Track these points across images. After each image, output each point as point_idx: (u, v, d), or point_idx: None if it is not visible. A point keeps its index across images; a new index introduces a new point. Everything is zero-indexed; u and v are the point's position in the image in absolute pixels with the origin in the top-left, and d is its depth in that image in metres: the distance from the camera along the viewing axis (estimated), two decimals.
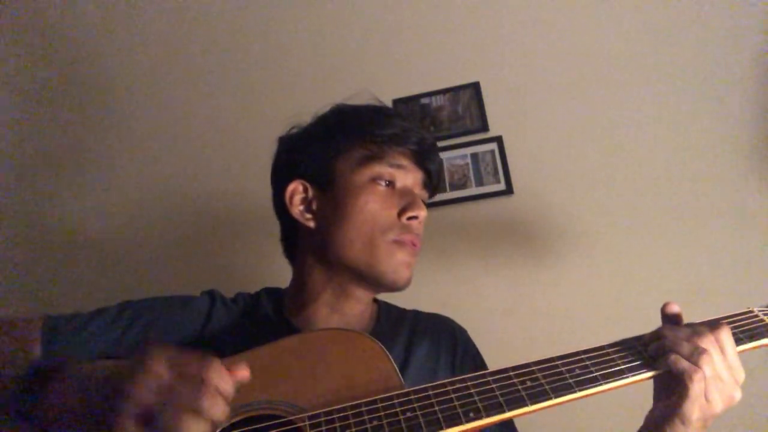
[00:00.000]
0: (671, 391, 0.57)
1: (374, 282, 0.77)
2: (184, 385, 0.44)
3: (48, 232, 1.56)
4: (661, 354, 0.57)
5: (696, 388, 0.54)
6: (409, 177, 0.81)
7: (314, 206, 0.79)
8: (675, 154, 1.28)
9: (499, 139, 1.38)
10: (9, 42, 1.78)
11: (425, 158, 0.82)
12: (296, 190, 0.80)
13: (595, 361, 0.56)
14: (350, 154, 0.79)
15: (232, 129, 1.54)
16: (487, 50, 1.47)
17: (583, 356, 0.56)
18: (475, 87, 1.45)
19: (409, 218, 0.77)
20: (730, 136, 1.26)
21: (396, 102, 1.48)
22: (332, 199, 0.78)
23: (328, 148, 0.80)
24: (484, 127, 1.41)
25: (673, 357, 0.55)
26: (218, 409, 0.44)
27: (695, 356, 0.55)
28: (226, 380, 0.46)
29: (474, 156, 1.39)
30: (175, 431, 0.41)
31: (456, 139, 1.42)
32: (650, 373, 0.57)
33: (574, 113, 1.37)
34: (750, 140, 1.24)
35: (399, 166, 0.79)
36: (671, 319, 0.64)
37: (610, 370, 0.55)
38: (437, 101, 1.47)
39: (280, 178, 0.84)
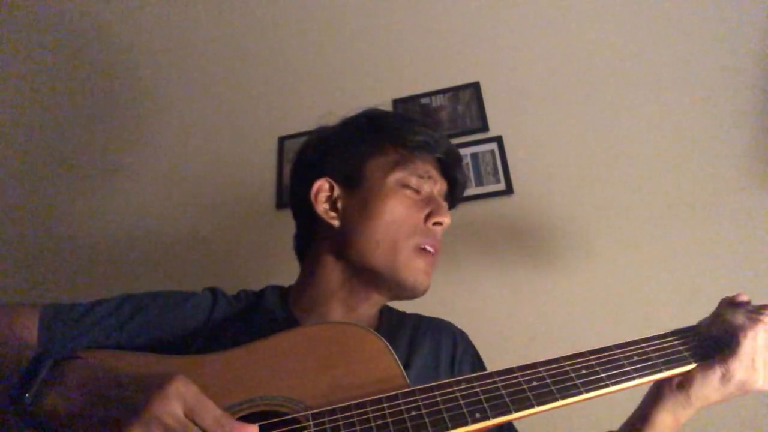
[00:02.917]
0: (723, 346, 0.59)
1: (394, 287, 0.78)
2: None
3: (52, 235, 1.55)
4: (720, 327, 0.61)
5: (747, 345, 0.57)
6: (436, 186, 0.83)
7: (339, 205, 0.80)
8: (675, 154, 1.28)
9: (499, 139, 1.38)
10: (20, 45, 1.77)
11: (452, 168, 0.85)
12: (322, 188, 0.81)
13: (602, 361, 0.56)
14: (382, 157, 0.80)
15: (233, 128, 1.54)
16: (487, 50, 1.47)
17: (589, 357, 0.56)
18: (475, 87, 1.45)
19: (435, 224, 0.79)
20: (730, 136, 1.26)
21: (396, 102, 1.47)
22: (359, 199, 0.79)
23: (360, 149, 0.82)
24: (484, 127, 1.41)
25: (730, 313, 0.60)
26: None
27: (752, 320, 0.58)
28: None
29: (474, 156, 1.39)
30: None
31: (456, 139, 1.41)
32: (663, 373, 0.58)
33: (574, 113, 1.37)
34: (750, 140, 1.24)
35: (427, 176, 0.81)
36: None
37: (615, 371, 0.55)
38: (437, 101, 1.47)
39: (305, 176, 0.84)
